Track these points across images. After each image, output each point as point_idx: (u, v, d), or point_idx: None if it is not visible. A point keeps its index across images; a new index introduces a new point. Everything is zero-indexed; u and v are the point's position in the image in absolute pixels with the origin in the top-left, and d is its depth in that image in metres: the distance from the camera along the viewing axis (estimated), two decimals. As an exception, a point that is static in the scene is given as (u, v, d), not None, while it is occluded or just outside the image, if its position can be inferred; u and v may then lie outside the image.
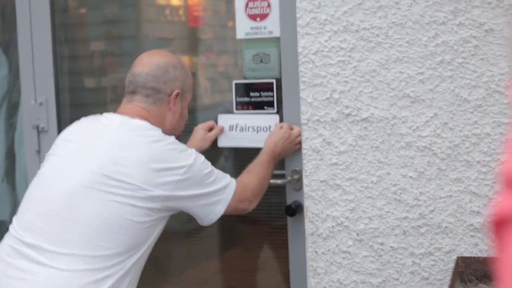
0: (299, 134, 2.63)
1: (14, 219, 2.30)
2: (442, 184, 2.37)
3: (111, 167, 2.20)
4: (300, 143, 2.63)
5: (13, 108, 3.36)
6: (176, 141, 2.32)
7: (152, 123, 2.34)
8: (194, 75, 3.07)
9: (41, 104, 3.16)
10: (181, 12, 3.23)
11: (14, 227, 2.27)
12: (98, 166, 2.21)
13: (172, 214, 2.34)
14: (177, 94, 2.41)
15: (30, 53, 3.18)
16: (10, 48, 3.33)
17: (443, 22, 2.32)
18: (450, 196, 2.36)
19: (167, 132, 2.37)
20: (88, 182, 2.19)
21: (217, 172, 2.37)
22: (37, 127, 3.18)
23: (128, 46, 3.33)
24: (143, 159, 2.21)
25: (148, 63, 2.42)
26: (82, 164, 2.24)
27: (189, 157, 2.29)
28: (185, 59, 3.18)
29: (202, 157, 2.34)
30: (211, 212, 2.36)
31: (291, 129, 2.68)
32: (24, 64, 3.20)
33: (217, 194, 2.35)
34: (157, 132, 2.31)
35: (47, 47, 3.17)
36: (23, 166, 3.30)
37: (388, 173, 2.43)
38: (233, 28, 2.85)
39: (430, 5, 2.34)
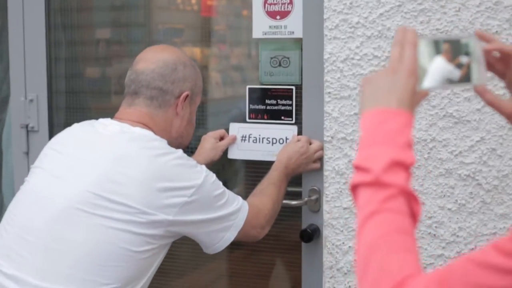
0: (318, 150, 2.32)
1: None
2: (485, 220, 2.06)
3: (106, 185, 1.88)
4: (319, 160, 2.32)
5: (2, 103, 3.04)
6: (185, 155, 2.00)
7: (156, 132, 2.03)
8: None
9: (31, 101, 2.85)
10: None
11: None
12: (90, 184, 1.89)
13: (175, 240, 2.03)
14: (186, 96, 2.10)
15: (22, 42, 2.86)
16: (1, 35, 3.02)
17: (496, 31, 2.00)
18: (495, 233, 2.05)
19: (173, 141, 2.07)
20: (78, 204, 1.87)
21: (229, 193, 2.06)
22: (26, 126, 2.86)
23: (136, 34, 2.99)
24: (145, 176, 1.89)
25: (153, 59, 2.10)
26: (72, 181, 1.92)
27: (199, 175, 1.97)
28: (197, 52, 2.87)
29: (214, 176, 2.03)
30: (219, 239, 2.05)
31: (310, 143, 2.36)
32: (14, 55, 2.88)
33: (228, 220, 2.04)
34: (162, 143, 1.99)
35: (40, 34, 2.85)
36: (10, 167, 2.99)
37: (423, 203, 2.11)
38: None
39: (482, 11, 2.01)
